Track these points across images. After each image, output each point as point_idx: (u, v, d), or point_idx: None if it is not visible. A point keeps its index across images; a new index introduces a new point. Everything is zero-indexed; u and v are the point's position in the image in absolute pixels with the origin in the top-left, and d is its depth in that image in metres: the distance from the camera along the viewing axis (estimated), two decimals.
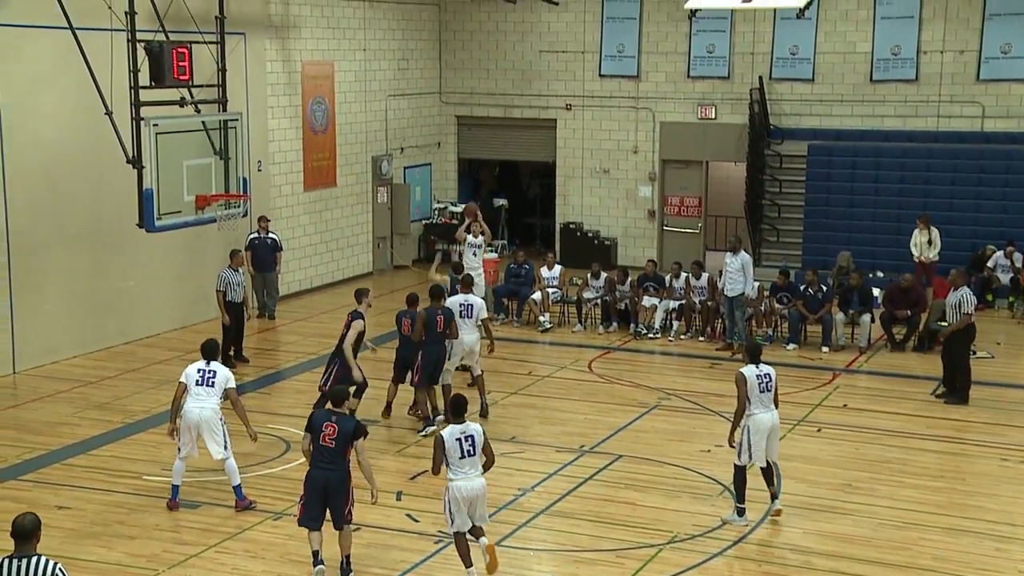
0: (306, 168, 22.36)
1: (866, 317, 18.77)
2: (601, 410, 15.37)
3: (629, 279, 20.15)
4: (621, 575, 10.32)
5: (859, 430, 14.49)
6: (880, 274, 20.85)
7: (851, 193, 23.54)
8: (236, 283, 17.10)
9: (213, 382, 11.56)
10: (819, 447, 14.00)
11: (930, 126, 23.43)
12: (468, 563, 9.91)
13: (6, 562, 7.02)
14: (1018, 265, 21.13)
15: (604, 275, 20.36)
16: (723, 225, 26.41)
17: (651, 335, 19.46)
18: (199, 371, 11.59)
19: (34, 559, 6.98)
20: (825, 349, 18.54)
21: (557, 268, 20.79)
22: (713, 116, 24.87)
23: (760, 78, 24.13)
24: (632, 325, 19.73)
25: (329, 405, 10.38)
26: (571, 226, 25.93)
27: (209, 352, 11.71)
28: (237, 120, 16.03)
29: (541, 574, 10.47)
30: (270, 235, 19.44)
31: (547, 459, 13.42)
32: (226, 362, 16.93)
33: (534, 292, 20.33)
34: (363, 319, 13.99)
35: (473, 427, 10.00)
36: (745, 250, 18.94)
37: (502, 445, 13.76)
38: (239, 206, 16.10)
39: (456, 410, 9.97)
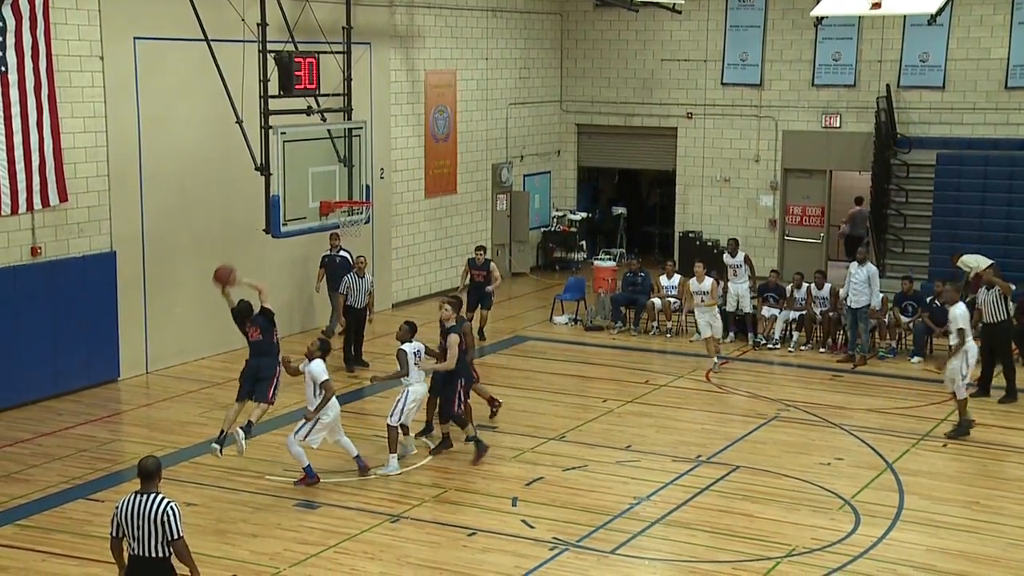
0: (427, 175, 22.68)
1: None
2: (719, 420, 15.23)
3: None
4: None
5: (986, 446, 14.09)
6: (1012, 287, 20.13)
7: (983, 203, 22.79)
8: (358, 289, 17.42)
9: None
10: (944, 463, 13.65)
11: None
12: (393, 449, 12.99)
13: (132, 496, 7.99)
14: None
15: (723, 284, 20.14)
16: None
17: (770, 346, 19.21)
18: None
19: (152, 495, 7.94)
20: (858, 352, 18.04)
21: (676, 277, 20.66)
22: (838, 125, 24.41)
23: (887, 86, 23.60)
24: (751, 335, 19.50)
25: None
26: (690, 235, 25.73)
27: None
28: (361, 128, 16.36)
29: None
30: (341, 252, 18.49)
31: (663, 468, 13.36)
32: (346, 364, 17.36)
33: (653, 299, 20.26)
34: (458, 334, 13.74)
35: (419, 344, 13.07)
36: (871, 262, 18.62)
37: (618, 453, 13.78)
38: (362, 212, 16.42)
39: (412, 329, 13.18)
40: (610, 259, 22.99)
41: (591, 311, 20.93)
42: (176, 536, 7.92)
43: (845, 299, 18.28)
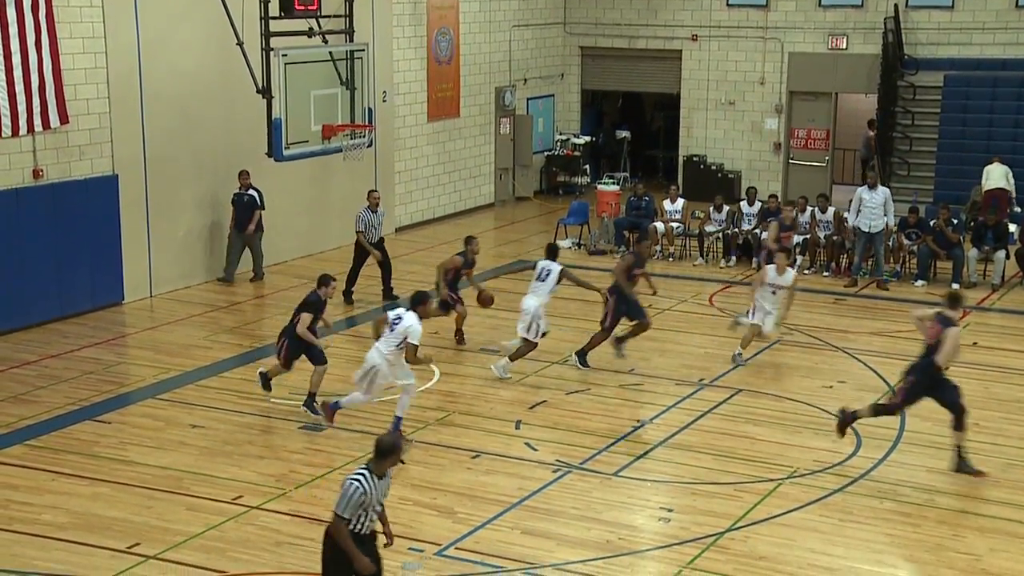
0: (430, 99, 22.48)
1: (1000, 254, 18.19)
2: (721, 344, 15.25)
3: (759, 204, 19.82)
4: (739, 508, 10.33)
5: (989, 369, 14.14)
6: (1018, 209, 20.10)
7: (990, 126, 22.63)
8: (375, 224, 17.10)
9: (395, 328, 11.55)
10: None
11: None
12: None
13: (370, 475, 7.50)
14: None
15: (726, 208, 20.11)
16: (851, 159, 25.78)
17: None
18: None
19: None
20: (955, 286, 18.01)
21: (680, 201, 20.59)
22: (844, 46, 24.13)
23: (895, 6, 23.29)
24: (754, 259, 19.47)
25: None
26: (695, 159, 25.59)
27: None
28: (363, 51, 16.16)
29: (658, 505, 10.53)
30: (250, 191, 17.63)
31: (666, 392, 13.43)
32: (345, 298, 16.97)
33: (656, 223, 20.21)
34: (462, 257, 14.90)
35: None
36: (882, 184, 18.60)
37: (620, 377, 13.84)
38: (364, 136, 16.29)
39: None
40: (614, 183, 22.89)
41: (594, 235, 20.90)
42: (335, 508, 7.48)
43: (856, 224, 18.20)
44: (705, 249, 20.03)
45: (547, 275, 14.10)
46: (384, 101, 20.60)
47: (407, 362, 11.56)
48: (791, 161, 25.08)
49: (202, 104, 17.54)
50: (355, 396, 11.88)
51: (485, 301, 14.94)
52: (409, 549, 9.48)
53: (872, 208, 17.99)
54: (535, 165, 25.83)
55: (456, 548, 9.58)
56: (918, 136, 23.18)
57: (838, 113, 24.97)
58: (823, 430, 12.20)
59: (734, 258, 19.71)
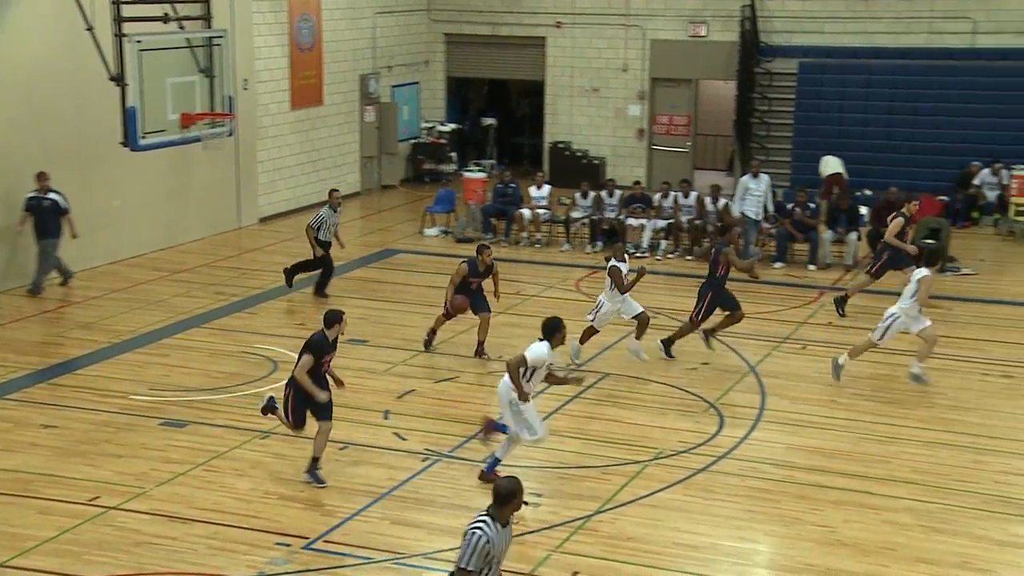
0: (293, 87, 22.11)
1: (853, 235, 18.80)
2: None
3: (619, 194, 20.11)
4: (607, 491, 10.44)
5: (844, 347, 14.54)
6: (868, 192, 20.81)
7: (841, 111, 23.38)
8: (332, 223, 16.64)
9: None
10: (803, 364, 14.10)
11: (921, 42, 23.20)
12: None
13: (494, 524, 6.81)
14: (1004, 182, 21.09)
15: (592, 194, 20.31)
16: (712, 144, 26.29)
17: (638, 254, 19.47)
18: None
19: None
20: (812, 267, 18.57)
21: (546, 187, 20.71)
22: (704, 34, 24.59)
23: None
24: (620, 244, 19.69)
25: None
26: (560, 145, 25.77)
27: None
28: (222, 37, 15.77)
29: (527, 490, 10.53)
30: (51, 194, 16.20)
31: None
32: (320, 293, 16.55)
33: (522, 210, 20.31)
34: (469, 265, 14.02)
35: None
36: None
37: (490, 364, 13.85)
38: (225, 125, 15.92)
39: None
40: (480, 170, 22.90)
41: (461, 223, 20.87)
42: (458, 561, 6.78)
43: (742, 212, 18.54)
44: (571, 235, 20.20)
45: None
46: (245, 89, 20.18)
47: (509, 376, 10.24)
48: (654, 147, 25.46)
49: (50, 93, 16.88)
50: (525, 436, 10.44)
51: (456, 308, 13.90)
52: (276, 544, 9.32)
53: (757, 196, 18.42)
54: (401, 153, 25.66)
55: (324, 541, 9.45)
56: (775, 122, 23.80)
57: (699, 99, 25.45)
58: (687, 411, 12.43)
59: (600, 243, 19.93)
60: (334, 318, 10.52)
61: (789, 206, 19.19)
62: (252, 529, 9.60)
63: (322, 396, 10.40)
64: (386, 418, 12.17)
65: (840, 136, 22.96)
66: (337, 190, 17.40)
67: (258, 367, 13.61)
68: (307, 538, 9.47)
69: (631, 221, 19.86)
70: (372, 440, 11.55)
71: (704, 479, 10.76)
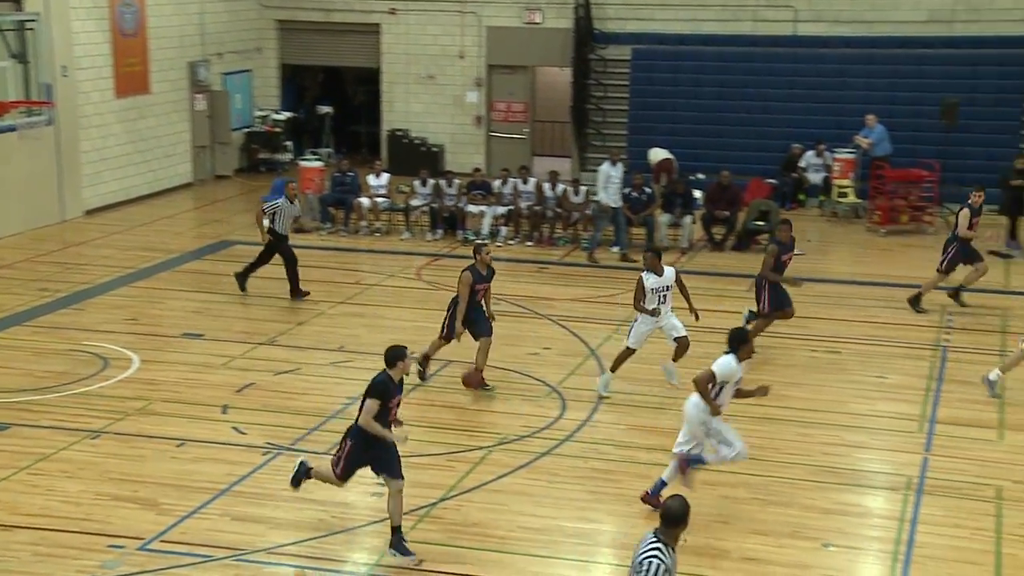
0: (117, 74, 21.30)
1: (688, 218, 19.23)
2: (430, 317, 15.26)
3: (456, 183, 20.11)
4: (451, 478, 10.41)
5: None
6: (701, 176, 21.32)
7: (673, 97, 23.89)
8: (290, 214, 15.96)
9: None
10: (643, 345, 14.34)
11: (747, 30, 23.90)
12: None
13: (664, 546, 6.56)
14: (828, 163, 21.88)
15: (431, 182, 20.24)
16: (550, 131, 26.50)
17: (479, 241, 19.46)
18: None
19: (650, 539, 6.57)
20: (648, 253, 18.87)
21: (384, 176, 20.52)
22: (539, 21, 24.77)
23: None
24: (460, 232, 19.72)
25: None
26: (398, 133, 25.59)
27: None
28: (35, 21, 15.08)
29: (372, 481, 10.43)
30: None
31: (376, 367, 13.18)
32: (296, 296, 15.74)
33: (361, 199, 20.09)
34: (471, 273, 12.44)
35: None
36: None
37: (330, 355, 13.65)
38: (43, 113, 15.23)
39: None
40: (317, 159, 22.55)
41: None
42: None
43: (604, 201, 18.62)
44: (411, 223, 20.09)
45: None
46: (64, 76, 19.33)
47: (698, 393, 9.61)
48: (492, 134, 25.54)
49: None
50: (725, 454, 9.71)
51: (471, 383, 12.44)
52: (108, 547, 8.97)
53: (617, 183, 18.60)
54: (234, 142, 25.04)
55: (161, 541, 9.15)
56: (611, 108, 24.16)
57: (536, 86, 25.63)
58: (530, 396, 12.50)
59: (440, 231, 19.87)
60: (396, 355, 8.97)
61: (626, 191, 19.50)
62: (83, 532, 9.22)
63: (396, 436, 8.95)
64: (224, 413, 11.86)
65: (673, 121, 23.48)
66: (294, 181, 16.98)
67: (87, 365, 13.09)
68: (142, 539, 9.15)
69: (471, 208, 19.88)
70: (211, 436, 11.24)
71: (547, 462, 10.83)
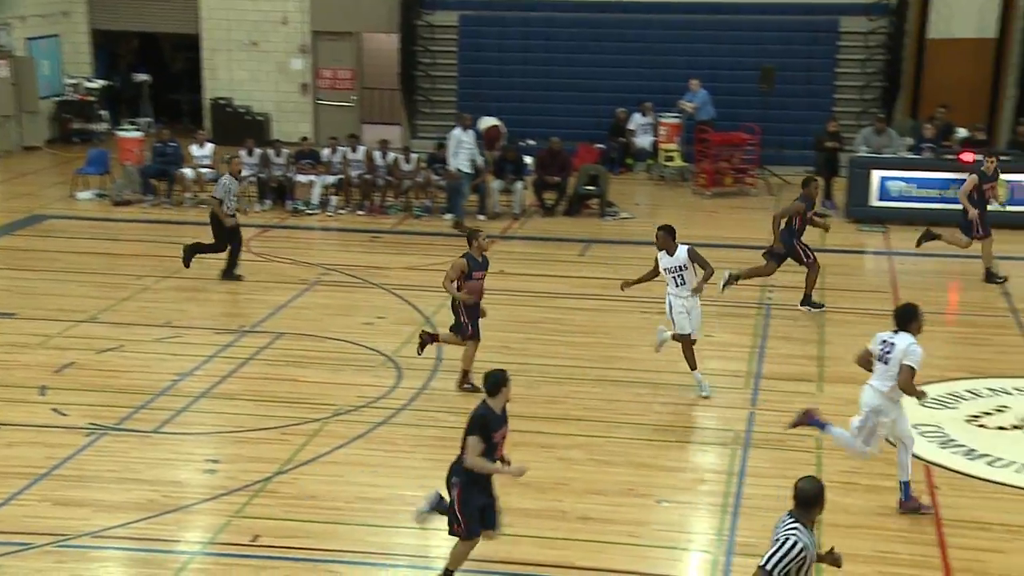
0: None
1: (519, 184, 19.30)
2: (259, 289, 15.00)
3: (284, 152, 19.67)
4: (286, 451, 10.19)
5: (514, 294, 14.94)
6: (531, 142, 21.42)
7: (501, 64, 23.90)
8: (234, 191, 15.25)
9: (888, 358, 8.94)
10: None
11: None
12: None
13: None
14: (652, 122, 22.13)
15: (258, 151, 19.72)
16: (379, 98, 26.18)
17: (309, 211, 19.14)
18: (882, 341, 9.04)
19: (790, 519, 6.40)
20: (481, 217, 18.91)
21: (208, 146, 19.90)
22: None
23: None
24: (288, 202, 19.31)
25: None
26: (221, 102, 24.85)
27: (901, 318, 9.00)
28: None
29: (203, 458, 10.15)
30: None
31: (205, 342, 12.96)
32: (228, 276, 15.11)
33: (184, 169, 19.44)
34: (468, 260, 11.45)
35: None
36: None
37: (156, 331, 13.19)
38: None
39: None
40: (136, 129, 21.71)
41: (118, 185, 19.72)
42: (763, 562, 6.29)
43: (456, 167, 18.37)
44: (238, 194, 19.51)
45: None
46: None
47: (902, 390, 8.90)
48: (319, 102, 25.06)
49: None
50: (855, 445, 9.20)
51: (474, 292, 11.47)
52: None
53: (469, 148, 18.41)
54: (44, 112, 23.85)
55: None
56: (439, 74, 23.99)
57: (363, 53, 25.25)
58: (365, 366, 12.35)
59: (269, 202, 19.42)
60: (499, 381, 7.96)
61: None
62: None
63: (512, 470, 8.00)
64: (43, 394, 11.31)
65: (502, 88, 23.48)
66: (238, 156, 16.36)
67: None
68: None
69: (300, 177, 19.48)
70: (28, 419, 10.72)
71: (385, 432, 10.73)
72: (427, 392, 11.71)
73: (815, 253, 14.24)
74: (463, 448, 7.84)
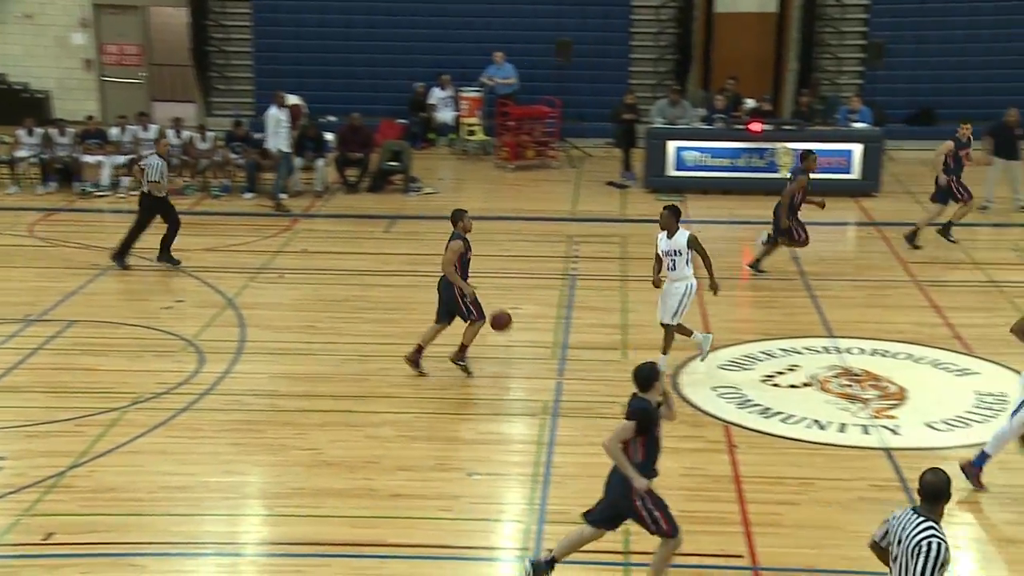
0: None
1: (320, 162, 18.98)
2: (47, 276, 14.29)
3: (70, 132, 18.76)
4: (82, 444, 9.73)
5: (320, 272, 14.72)
6: (332, 118, 21.08)
7: (298, 38, 23.40)
8: (164, 171, 14.53)
9: None
10: (282, 292, 14.07)
11: None
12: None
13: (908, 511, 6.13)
14: (452, 96, 22.05)
15: (39, 131, 18.73)
16: (169, 75, 25.25)
17: (99, 193, 18.32)
18: None
19: (921, 519, 6.03)
20: (283, 196, 18.51)
21: None
22: None
23: None
24: (76, 184, 18.44)
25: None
26: None
27: None
28: None
29: None
30: None
31: None
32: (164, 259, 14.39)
33: None
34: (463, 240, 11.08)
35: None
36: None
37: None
38: None
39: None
40: None
41: None
42: None
43: (276, 147, 17.83)
44: (18, 176, 18.54)
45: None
46: None
47: None
48: (105, 79, 23.98)
49: None
50: (1010, 432, 8.90)
51: (500, 323, 11.05)
52: None
53: (287, 127, 17.91)
54: None
55: None
56: (234, 50, 23.32)
57: (151, 27, 24.28)
58: (165, 351, 11.92)
59: (54, 184, 18.49)
60: (653, 374, 7.46)
61: (257, 136, 18.96)
62: None
63: (638, 483, 7.31)
64: None
65: (300, 63, 22.99)
66: (165, 138, 15.63)
67: None
68: None
69: (87, 158, 18.62)
70: None
71: (187, 418, 10.37)
72: (231, 375, 11.38)
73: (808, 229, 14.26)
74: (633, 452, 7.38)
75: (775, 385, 11.26)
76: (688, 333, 11.48)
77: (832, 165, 18.30)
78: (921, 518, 5.99)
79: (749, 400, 10.89)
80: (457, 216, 11.17)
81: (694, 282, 11.23)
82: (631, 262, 15.12)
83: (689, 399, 10.87)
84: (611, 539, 7.91)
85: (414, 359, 11.32)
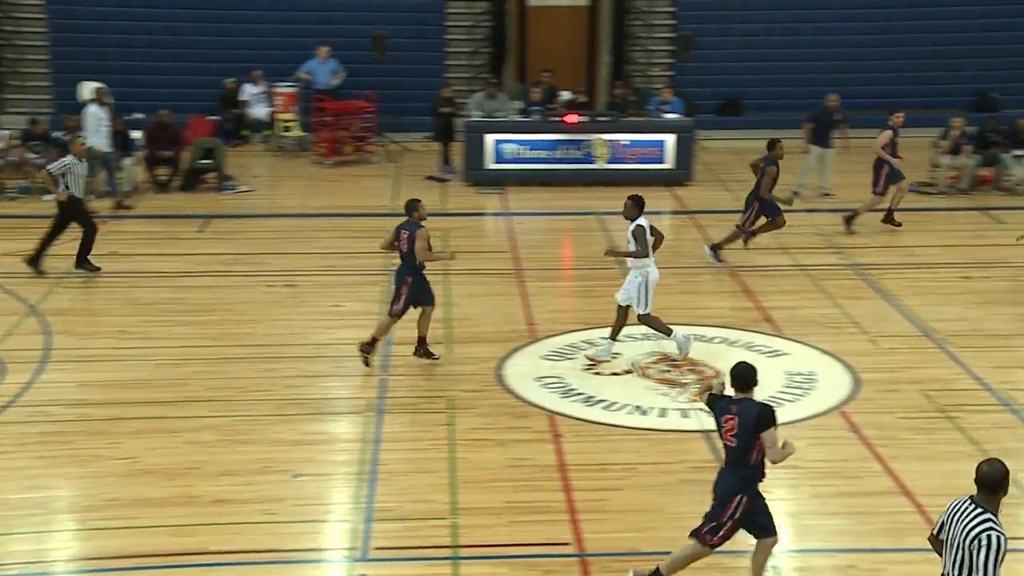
0: None
1: (128, 160, 18.26)
2: None
3: None
4: None
5: (130, 275, 14.14)
6: (139, 115, 20.27)
7: (100, 32, 22.43)
8: (80, 173, 13.48)
9: None
10: (90, 297, 13.51)
11: None
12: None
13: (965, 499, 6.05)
14: (266, 91, 21.52)
15: None
16: None
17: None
18: None
19: (980, 510, 5.95)
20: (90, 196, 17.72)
21: None
22: None
23: None
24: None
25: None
26: None
27: None
28: None
29: None
30: None
31: None
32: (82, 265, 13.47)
33: None
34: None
35: None
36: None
37: None
38: None
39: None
40: None
41: None
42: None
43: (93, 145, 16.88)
44: None
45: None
46: None
47: None
48: None
49: None
50: None
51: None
52: None
53: (108, 125, 17.25)
54: None
55: None
56: (27, 43, 22.21)
57: None
58: None
59: None
60: (750, 375, 7.41)
61: (54, 135, 18.11)
62: None
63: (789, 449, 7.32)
64: None
65: (103, 58, 22.00)
66: (81, 137, 14.69)
67: None
68: None
69: None
70: None
71: None
72: (36, 386, 10.81)
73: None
74: (740, 458, 7.22)
75: (597, 373, 11.39)
76: (668, 332, 11.60)
77: (646, 155, 18.74)
78: (979, 509, 5.95)
79: (573, 389, 10.99)
80: (412, 206, 11.30)
81: (653, 271, 11.42)
82: (463, 256, 15.06)
83: (514, 390, 10.90)
84: (437, 533, 7.82)
85: (366, 350, 11.23)
